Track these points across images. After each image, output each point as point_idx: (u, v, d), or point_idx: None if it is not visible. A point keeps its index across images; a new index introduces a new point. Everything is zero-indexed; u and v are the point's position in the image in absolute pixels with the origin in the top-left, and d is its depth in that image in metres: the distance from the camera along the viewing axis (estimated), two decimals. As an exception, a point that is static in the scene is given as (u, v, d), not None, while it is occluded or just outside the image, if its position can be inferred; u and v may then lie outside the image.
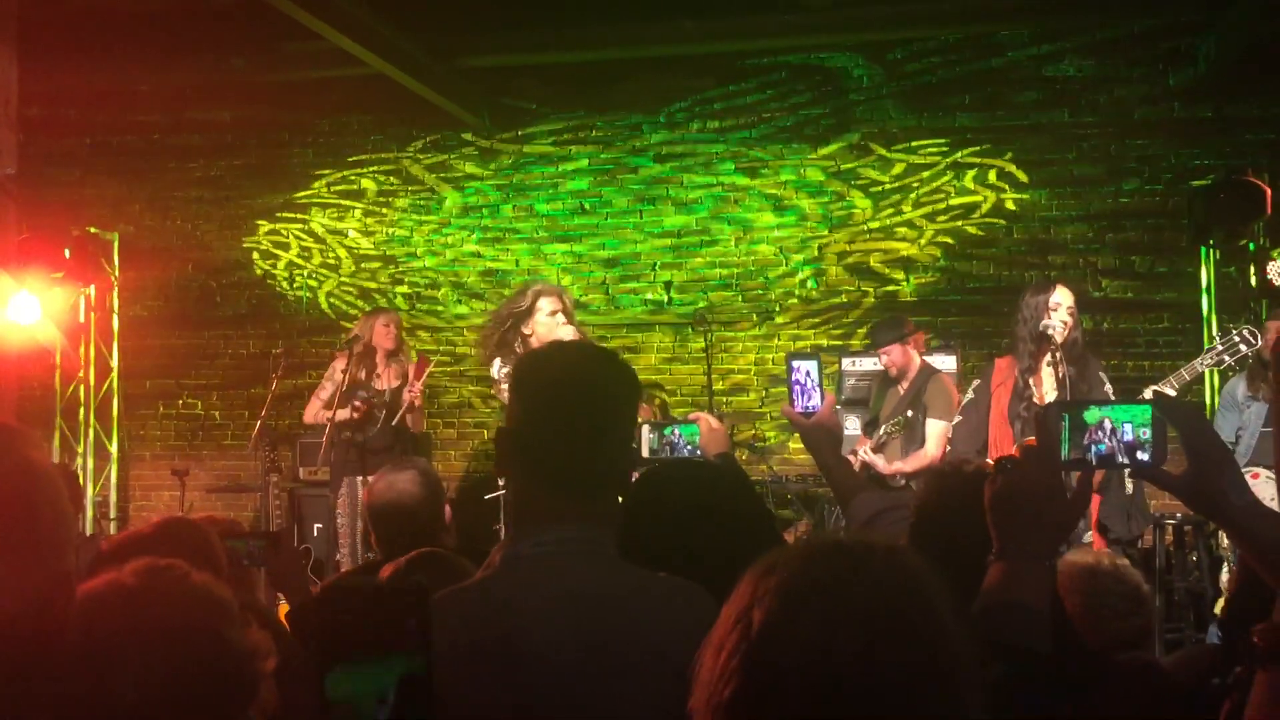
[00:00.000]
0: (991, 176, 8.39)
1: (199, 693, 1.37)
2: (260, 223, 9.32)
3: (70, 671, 1.11)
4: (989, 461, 4.07)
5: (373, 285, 9.16)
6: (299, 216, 9.30)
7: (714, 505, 2.21)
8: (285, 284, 9.27)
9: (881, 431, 6.23)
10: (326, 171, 9.26)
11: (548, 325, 5.48)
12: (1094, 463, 1.58)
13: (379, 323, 7.40)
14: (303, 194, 9.29)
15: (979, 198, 8.40)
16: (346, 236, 9.23)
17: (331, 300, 9.19)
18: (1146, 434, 1.63)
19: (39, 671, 1.06)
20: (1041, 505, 1.55)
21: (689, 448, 3.09)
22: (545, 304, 5.54)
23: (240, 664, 1.41)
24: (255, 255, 9.32)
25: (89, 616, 1.33)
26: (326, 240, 9.26)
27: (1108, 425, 1.61)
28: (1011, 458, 1.59)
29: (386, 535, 3.14)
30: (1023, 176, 8.33)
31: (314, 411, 7.44)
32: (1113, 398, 5.14)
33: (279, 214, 9.31)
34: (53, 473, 1.12)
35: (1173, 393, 5.00)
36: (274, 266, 9.30)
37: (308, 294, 9.20)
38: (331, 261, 9.25)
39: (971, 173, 8.41)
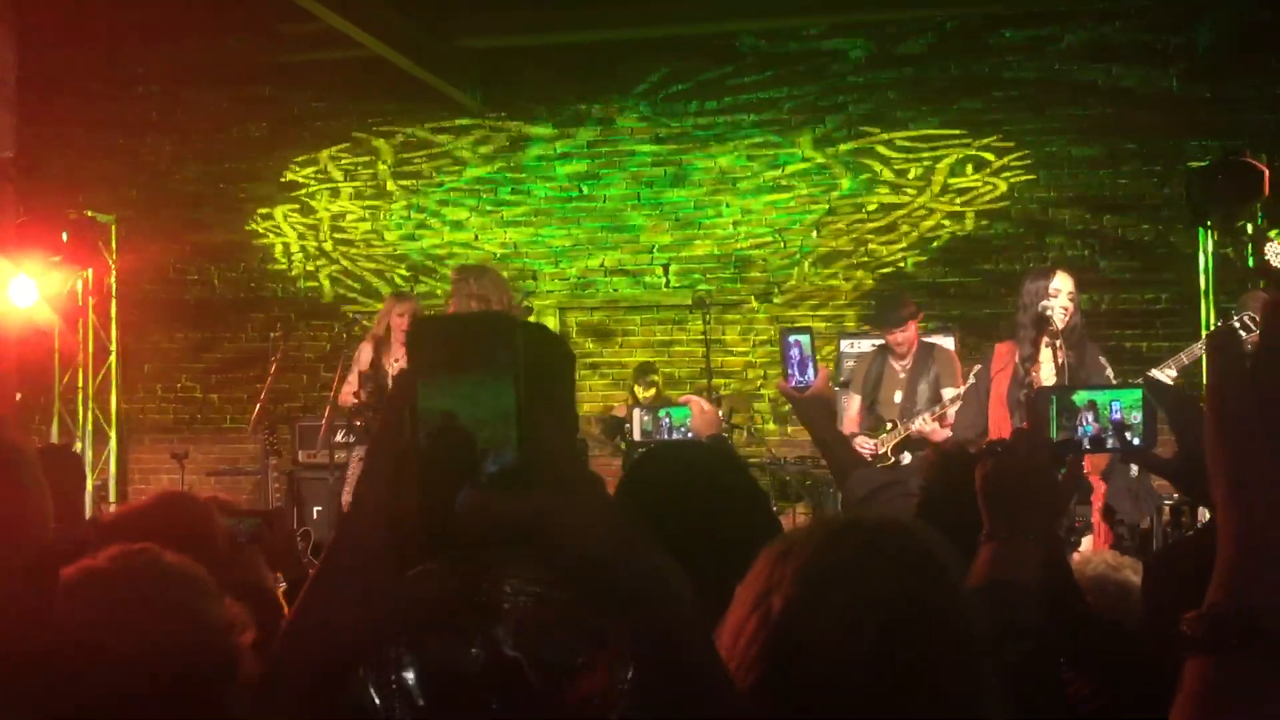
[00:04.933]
0: (989, 158, 8.38)
1: (179, 670, 1.39)
2: (258, 205, 9.32)
3: (51, 659, 1.12)
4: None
5: (370, 267, 9.16)
6: (297, 199, 9.29)
7: (708, 485, 2.22)
8: (283, 267, 9.27)
9: (947, 401, 6.20)
10: (324, 153, 9.25)
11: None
12: (1083, 445, 1.59)
13: (394, 311, 7.32)
14: (300, 176, 9.28)
15: (976, 179, 8.40)
16: (344, 219, 9.23)
17: (329, 283, 9.19)
18: (1136, 418, 1.64)
19: (23, 656, 1.07)
20: (1031, 487, 1.56)
21: (680, 430, 3.11)
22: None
23: (217, 638, 1.43)
24: (253, 238, 9.32)
25: (65, 604, 1.34)
26: (323, 223, 9.26)
27: (1096, 409, 1.62)
28: (1001, 441, 1.61)
29: None
30: (1020, 158, 8.33)
31: (348, 396, 7.36)
32: (1114, 382, 5.16)
33: (276, 197, 9.31)
34: (27, 455, 1.13)
35: (1173, 375, 4.99)
36: (272, 250, 9.30)
37: (305, 279, 9.20)
38: (328, 244, 9.25)
39: (968, 154, 8.40)
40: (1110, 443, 1.59)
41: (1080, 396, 1.59)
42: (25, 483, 1.09)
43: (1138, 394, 1.65)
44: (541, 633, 1.17)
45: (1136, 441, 1.64)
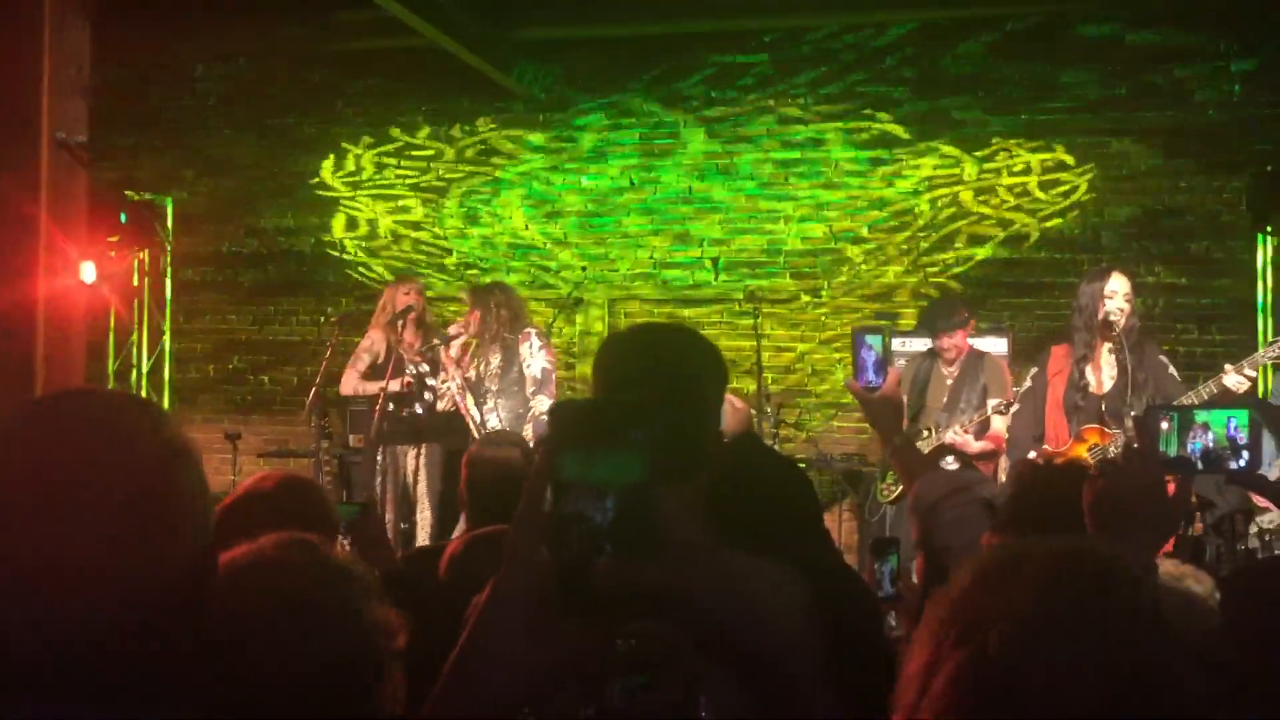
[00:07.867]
0: (1044, 156, 8.31)
1: (333, 664, 1.40)
2: (311, 191, 9.38)
3: (213, 642, 1.15)
4: (1080, 454, 4.05)
5: (420, 256, 9.21)
6: (349, 186, 9.35)
7: (756, 480, 2.30)
8: (336, 253, 9.34)
9: (990, 410, 6.21)
10: (377, 141, 9.30)
11: None
12: (1199, 465, 1.58)
13: (399, 291, 7.39)
14: (353, 164, 9.34)
15: (1031, 178, 8.33)
16: (396, 206, 9.28)
17: (381, 269, 9.25)
18: (1243, 438, 1.64)
19: (182, 643, 1.10)
20: (1143, 507, 1.56)
21: None
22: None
23: (371, 639, 1.45)
24: (306, 223, 9.39)
25: (232, 587, 1.35)
26: (376, 210, 9.32)
27: (1209, 427, 1.61)
28: (1112, 460, 1.60)
29: (479, 503, 3.13)
30: (1076, 157, 8.25)
31: (350, 384, 7.47)
32: (1178, 379, 5.11)
33: (330, 183, 9.37)
34: (194, 447, 1.15)
35: (1249, 378, 4.88)
36: (324, 235, 9.37)
37: (357, 265, 9.26)
38: (380, 231, 9.30)
39: (1024, 152, 8.33)
40: (1230, 462, 1.58)
41: (1199, 415, 1.59)
42: (193, 479, 1.12)
43: (1244, 415, 1.64)
44: (643, 686, 1.30)
45: (1241, 462, 1.64)
